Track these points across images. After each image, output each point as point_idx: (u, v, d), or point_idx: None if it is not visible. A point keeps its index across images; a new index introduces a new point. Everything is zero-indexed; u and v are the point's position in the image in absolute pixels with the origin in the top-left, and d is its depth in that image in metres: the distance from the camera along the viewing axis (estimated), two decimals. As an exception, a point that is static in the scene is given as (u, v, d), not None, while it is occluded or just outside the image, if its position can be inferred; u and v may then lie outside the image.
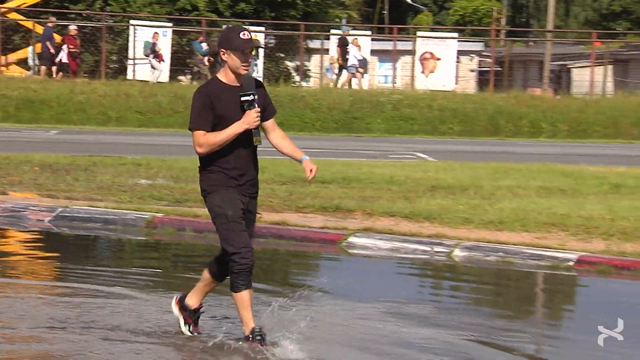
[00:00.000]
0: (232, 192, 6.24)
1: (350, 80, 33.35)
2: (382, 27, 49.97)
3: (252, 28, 34.35)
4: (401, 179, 14.26)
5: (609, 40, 48.05)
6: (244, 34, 6.17)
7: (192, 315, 6.61)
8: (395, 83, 35.48)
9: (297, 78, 35.99)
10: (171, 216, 11.30)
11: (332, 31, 36.26)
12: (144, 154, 16.85)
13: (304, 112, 28.38)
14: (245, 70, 6.20)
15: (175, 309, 6.64)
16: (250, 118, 6.16)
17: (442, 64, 35.36)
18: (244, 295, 6.25)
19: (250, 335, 6.28)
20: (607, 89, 37.78)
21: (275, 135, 6.38)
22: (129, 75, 33.65)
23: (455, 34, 40.15)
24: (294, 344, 6.32)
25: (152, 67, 33.49)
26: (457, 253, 10.04)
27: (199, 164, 6.37)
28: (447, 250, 10.10)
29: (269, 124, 6.37)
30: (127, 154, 16.60)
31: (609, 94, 36.44)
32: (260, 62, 34.05)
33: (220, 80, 6.26)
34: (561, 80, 45.03)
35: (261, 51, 34.21)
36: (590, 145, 24.48)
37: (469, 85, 39.20)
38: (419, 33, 39.83)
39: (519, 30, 56.90)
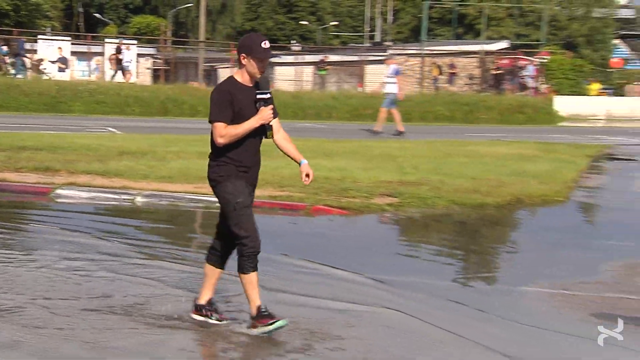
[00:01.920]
0: (241, 181, 5.11)
1: (126, 74, 32.99)
2: (79, 35, 47.74)
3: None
4: (96, 146, 13.95)
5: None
6: (264, 44, 5.00)
7: (211, 307, 5.33)
8: (90, 76, 34.25)
9: (12, 71, 33.61)
10: None
11: (106, 40, 35.29)
12: None
13: (19, 97, 26.62)
14: (261, 74, 5.08)
15: (198, 317, 5.32)
16: (266, 114, 5.05)
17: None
18: (252, 277, 5.09)
19: (257, 312, 5.13)
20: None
21: (280, 137, 5.22)
22: None
23: (135, 42, 39.38)
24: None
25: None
26: (139, 199, 10.09)
27: (210, 154, 5.21)
28: (132, 198, 10.12)
29: (275, 124, 5.18)
30: None
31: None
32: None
33: (237, 80, 5.10)
34: (211, 76, 45.57)
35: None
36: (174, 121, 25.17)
37: (146, 79, 38.62)
38: (107, 40, 38.59)
39: (181, 40, 56.49)
